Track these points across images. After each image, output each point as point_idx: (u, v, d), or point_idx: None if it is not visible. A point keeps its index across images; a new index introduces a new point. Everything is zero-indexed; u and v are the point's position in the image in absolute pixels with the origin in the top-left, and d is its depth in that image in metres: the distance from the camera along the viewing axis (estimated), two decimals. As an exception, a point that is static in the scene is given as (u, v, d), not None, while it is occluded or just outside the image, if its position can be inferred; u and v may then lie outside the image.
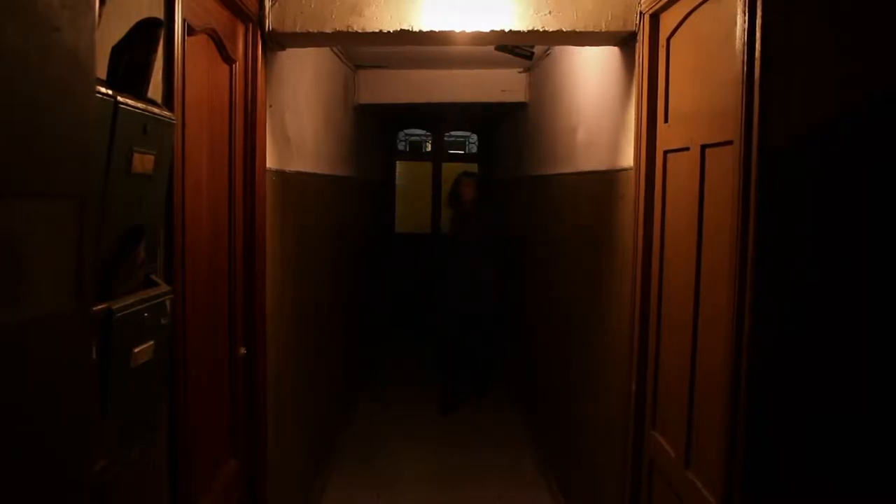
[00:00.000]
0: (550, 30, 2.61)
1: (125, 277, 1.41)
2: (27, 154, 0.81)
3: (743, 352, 1.63)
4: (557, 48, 4.25)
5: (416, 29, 2.62)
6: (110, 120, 1.27)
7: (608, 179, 2.99)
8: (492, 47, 4.10)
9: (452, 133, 10.07)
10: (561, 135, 4.15)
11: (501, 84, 5.51)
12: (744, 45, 1.62)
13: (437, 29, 2.63)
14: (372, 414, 5.55)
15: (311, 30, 2.63)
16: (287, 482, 3.32)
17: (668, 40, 2.34)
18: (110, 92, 1.27)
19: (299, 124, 3.47)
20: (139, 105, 1.37)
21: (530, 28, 2.61)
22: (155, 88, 1.67)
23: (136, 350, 1.41)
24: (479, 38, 2.75)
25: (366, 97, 5.54)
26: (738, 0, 1.66)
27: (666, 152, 2.34)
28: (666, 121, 2.36)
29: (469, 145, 10.87)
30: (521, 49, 4.44)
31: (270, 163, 2.84)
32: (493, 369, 6.11)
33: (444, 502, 4.19)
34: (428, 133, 9.90)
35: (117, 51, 1.40)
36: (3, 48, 0.75)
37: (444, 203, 6.33)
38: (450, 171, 9.18)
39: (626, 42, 2.72)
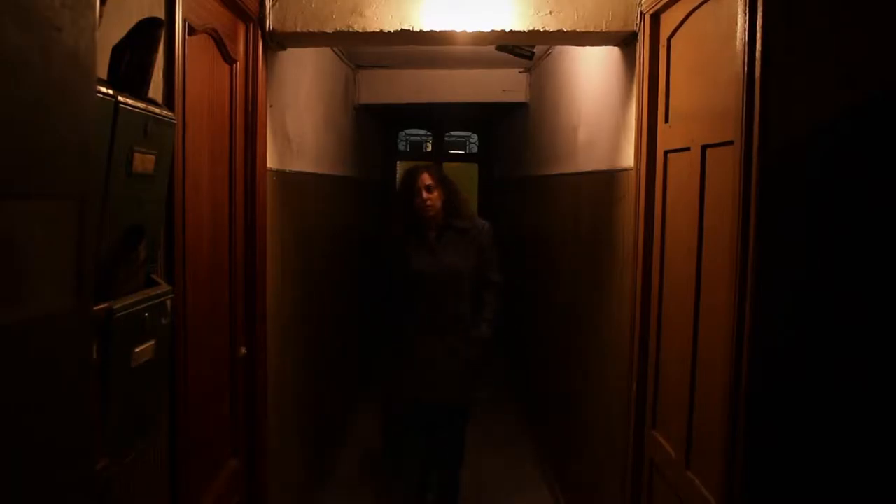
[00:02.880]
0: (551, 30, 2.61)
1: (126, 277, 1.41)
2: (28, 154, 0.81)
3: (743, 352, 1.63)
4: (558, 48, 4.25)
5: (416, 29, 2.62)
6: (111, 120, 1.27)
7: (609, 179, 2.99)
8: (492, 47, 4.10)
9: (453, 133, 10.07)
10: (561, 135, 4.15)
11: (502, 84, 5.51)
12: (744, 45, 1.62)
13: (437, 29, 2.63)
14: (372, 413, 5.54)
15: (311, 30, 2.63)
16: (287, 482, 3.31)
17: (668, 40, 2.34)
18: (111, 92, 1.27)
19: (300, 124, 3.47)
20: (140, 105, 1.37)
21: (531, 28, 2.61)
22: (156, 88, 1.67)
23: (137, 350, 1.41)
24: (480, 38, 2.75)
25: (366, 97, 5.54)
26: (738, 0, 1.66)
27: (666, 152, 2.34)
28: (666, 121, 2.35)
29: (469, 145, 10.86)
30: (522, 49, 4.44)
31: (271, 163, 2.84)
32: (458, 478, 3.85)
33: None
34: (428, 133, 9.89)
35: (118, 50, 1.40)
36: (3, 48, 0.75)
37: (391, 218, 3.67)
38: (450, 171, 9.15)
39: (626, 42, 2.72)
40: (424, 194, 3.43)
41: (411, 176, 3.50)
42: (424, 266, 3.43)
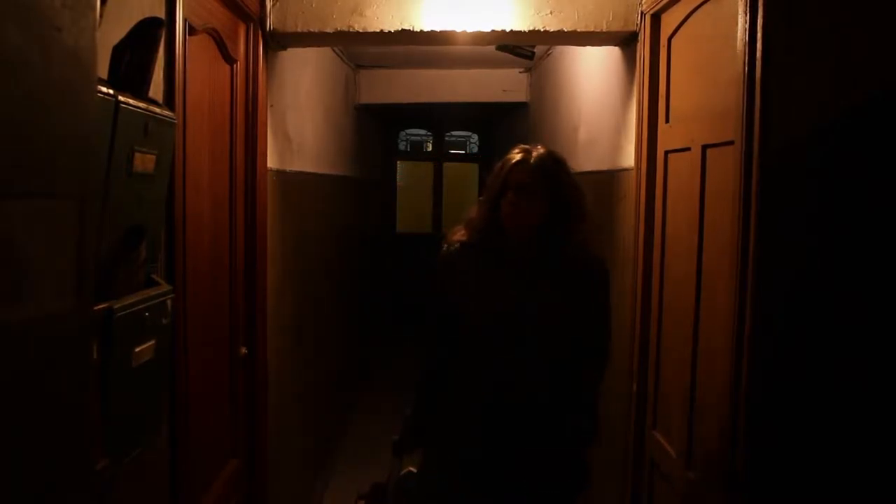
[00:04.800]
0: (551, 30, 2.61)
1: (126, 277, 1.41)
2: (28, 154, 0.81)
3: (744, 352, 1.63)
4: (558, 48, 4.25)
5: (417, 29, 2.62)
6: (111, 120, 1.27)
7: (609, 179, 2.99)
8: (493, 47, 4.10)
9: (453, 133, 10.07)
10: (562, 135, 4.15)
11: (502, 84, 5.51)
12: (745, 45, 1.62)
13: (438, 29, 2.63)
14: (372, 413, 5.55)
15: (312, 29, 2.64)
16: (287, 482, 3.31)
17: (669, 40, 2.34)
18: (111, 91, 1.27)
19: (300, 124, 3.47)
20: (140, 105, 1.37)
21: (531, 28, 2.61)
22: (156, 88, 1.67)
23: (137, 350, 1.41)
24: (480, 38, 2.75)
25: (366, 97, 5.54)
26: (738, 0, 1.66)
27: (667, 152, 2.34)
28: (667, 121, 2.35)
29: (470, 145, 10.86)
30: (522, 49, 4.44)
31: (271, 162, 2.84)
32: None
33: (445, 502, 4.18)
34: (429, 133, 9.90)
35: (118, 50, 1.40)
36: (3, 48, 0.75)
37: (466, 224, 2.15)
38: (451, 171, 9.19)
39: (627, 42, 2.72)
40: (512, 197, 2.00)
41: (505, 164, 2.05)
42: (500, 303, 2.02)
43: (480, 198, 2.13)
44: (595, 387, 2.21)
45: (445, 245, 2.14)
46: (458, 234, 2.15)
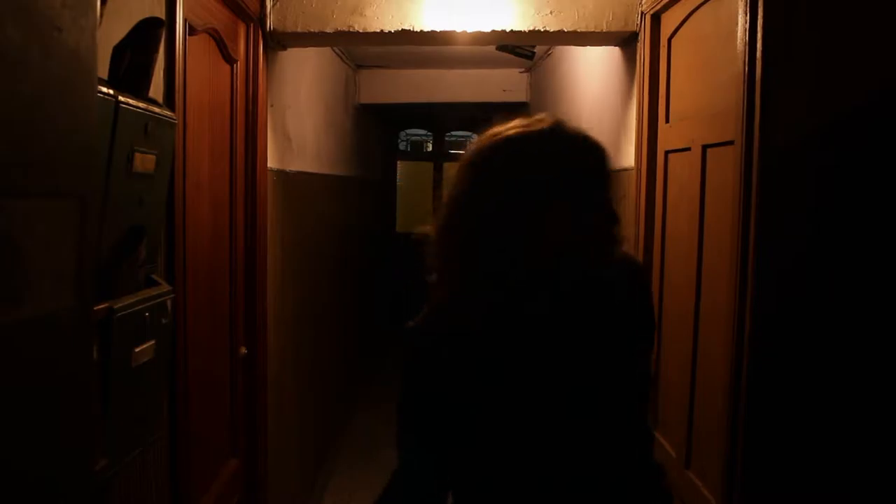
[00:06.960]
0: (551, 30, 2.61)
1: (126, 277, 1.41)
2: (29, 154, 0.81)
3: (744, 352, 1.63)
4: (558, 48, 4.25)
5: (417, 29, 2.62)
6: (111, 119, 1.27)
7: (609, 179, 2.98)
8: (493, 47, 4.10)
9: (453, 133, 10.07)
10: (562, 135, 4.14)
11: (502, 84, 5.51)
12: (745, 45, 1.62)
13: (438, 29, 2.63)
14: (372, 413, 5.55)
15: (312, 30, 2.64)
16: (287, 482, 3.32)
17: (669, 40, 2.34)
18: (111, 91, 1.27)
19: (300, 124, 3.47)
20: (140, 105, 1.37)
21: (531, 28, 2.61)
22: (156, 88, 1.67)
23: (137, 350, 1.41)
24: (480, 38, 2.75)
25: (366, 97, 5.54)
26: (738, 0, 1.66)
27: (667, 152, 2.34)
28: (667, 121, 2.35)
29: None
30: (523, 49, 4.44)
31: (271, 162, 2.84)
32: None
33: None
34: (429, 133, 9.90)
35: (118, 50, 1.40)
36: (4, 48, 0.75)
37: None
38: (451, 171, 9.17)
39: (627, 42, 2.72)
40: (571, 210, 1.17)
41: (531, 147, 1.21)
42: (545, 416, 1.15)
43: (445, 241, 1.24)
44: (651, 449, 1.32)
45: (426, 338, 1.20)
46: (443, 321, 1.19)
